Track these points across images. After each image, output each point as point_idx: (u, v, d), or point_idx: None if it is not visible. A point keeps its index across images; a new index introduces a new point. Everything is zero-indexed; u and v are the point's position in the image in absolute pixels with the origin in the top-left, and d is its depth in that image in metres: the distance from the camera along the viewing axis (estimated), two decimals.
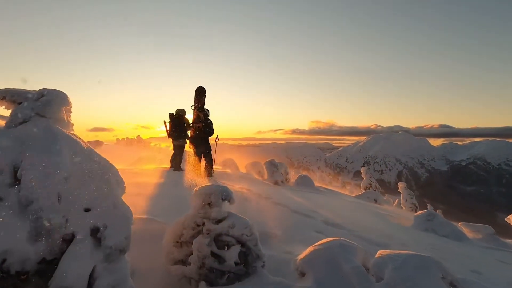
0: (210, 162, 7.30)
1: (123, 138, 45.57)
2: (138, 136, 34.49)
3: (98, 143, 8.70)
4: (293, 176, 13.73)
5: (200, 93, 7.47)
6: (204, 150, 7.27)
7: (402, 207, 14.29)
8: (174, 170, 7.80)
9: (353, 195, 9.79)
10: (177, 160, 7.95)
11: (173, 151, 8.05)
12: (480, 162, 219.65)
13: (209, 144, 7.38)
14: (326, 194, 7.64)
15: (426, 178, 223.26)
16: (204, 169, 7.30)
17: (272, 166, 7.94)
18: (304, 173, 26.72)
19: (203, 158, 7.36)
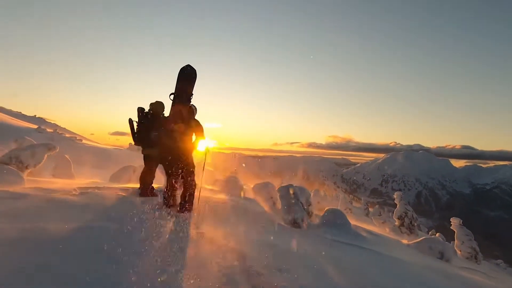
0: (189, 188, 4.38)
1: None
2: None
3: (47, 146, 6.12)
4: (312, 201, 10.82)
5: (187, 76, 4.36)
6: (182, 166, 4.30)
7: (457, 251, 11.07)
8: (140, 195, 5.12)
9: (406, 241, 6.81)
10: (147, 179, 5.28)
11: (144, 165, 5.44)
12: (505, 187, 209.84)
13: (190, 157, 4.43)
14: (377, 249, 4.76)
15: (447, 200, 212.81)
16: (180, 197, 4.47)
17: (290, 197, 5.05)
18: (321, 190, 23.63)
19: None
